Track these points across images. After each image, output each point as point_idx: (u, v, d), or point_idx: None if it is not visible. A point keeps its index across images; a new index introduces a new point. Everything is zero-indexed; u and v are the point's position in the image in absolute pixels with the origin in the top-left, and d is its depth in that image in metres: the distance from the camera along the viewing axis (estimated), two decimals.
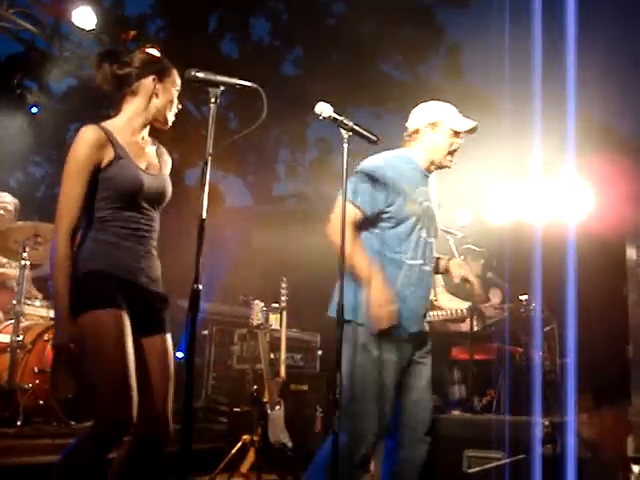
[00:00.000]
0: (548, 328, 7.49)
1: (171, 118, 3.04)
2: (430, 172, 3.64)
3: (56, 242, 2.74)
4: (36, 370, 5.36)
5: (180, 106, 3.06)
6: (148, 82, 2.95)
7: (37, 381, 5.34)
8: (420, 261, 3.45)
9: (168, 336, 2.98)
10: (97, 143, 2.79)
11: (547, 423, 4.36)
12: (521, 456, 3.14)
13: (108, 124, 2.92)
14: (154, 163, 3.02)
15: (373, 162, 3.52)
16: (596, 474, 4.48)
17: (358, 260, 3.32)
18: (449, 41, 19.80)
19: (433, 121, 3.57)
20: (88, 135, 2.80)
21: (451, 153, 3.60)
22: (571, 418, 4.00)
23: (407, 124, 3.71)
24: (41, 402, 5.33)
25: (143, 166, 2.93)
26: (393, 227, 3.42)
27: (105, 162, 2.80)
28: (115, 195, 2.82)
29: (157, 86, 2.96)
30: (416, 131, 3.61)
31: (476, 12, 19.93)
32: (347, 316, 3.26)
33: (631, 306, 7.67)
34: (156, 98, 2.96)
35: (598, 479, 4.49)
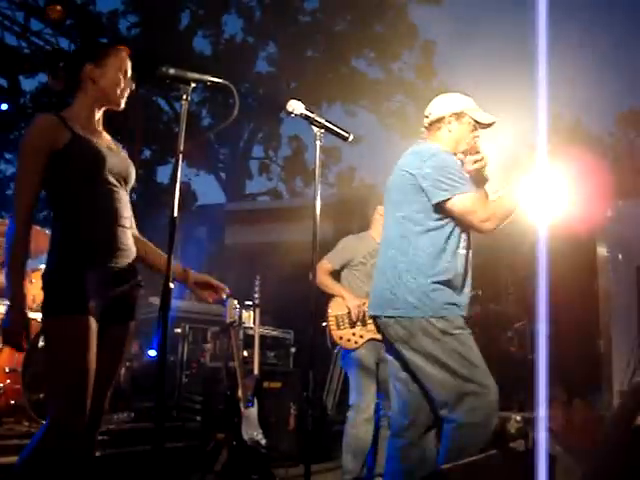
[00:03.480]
0: (520, 324, 7.56)
1: (120, 98, 3.01)
2: None
3: (14, 227, 2.74)
4: (7, 370, 5.30)
5: (133, 85, 3.05)
6: (85, 70, 2.95)
7: (8, 381, 5.29)
8: (466, 251, 3.41)
9: (132, 324, 2.99)
10: (49, 127, 2.81)
11: (519, 418, 4.39)
12: (493, 452, 3.16)
13: (63, 112, 2.94)
14: (113, 146, 3.04)
15: (441, 154, 3.38)
16: (568, 468, 4.52)
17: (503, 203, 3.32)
18: (422, 38, 19.88)
19: (458, 111, 3.48)
20: (40, 121, 2.84)
21: (469, 145, 3.51)
22: (542, 413, 4.03)
23: (428, 113, 3.57)
24: (12, 402, 5.28)
25: (104, 146, 2.95)
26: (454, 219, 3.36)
27: (61, 143, 2.79)
28: (79, 172, 2.81)
29: (93, 72, 2.95)
30: (440, 120, 3.50)
31: (448, 10, 20.07)
32: (413, 313, 3.24)
33: (601, 302, 7.77)
34: (94, 84, 2.95)
35: (570, 473, 4.53)
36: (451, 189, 3.25)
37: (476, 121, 3.49)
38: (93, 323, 2.74)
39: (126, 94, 3.02)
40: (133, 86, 3.05)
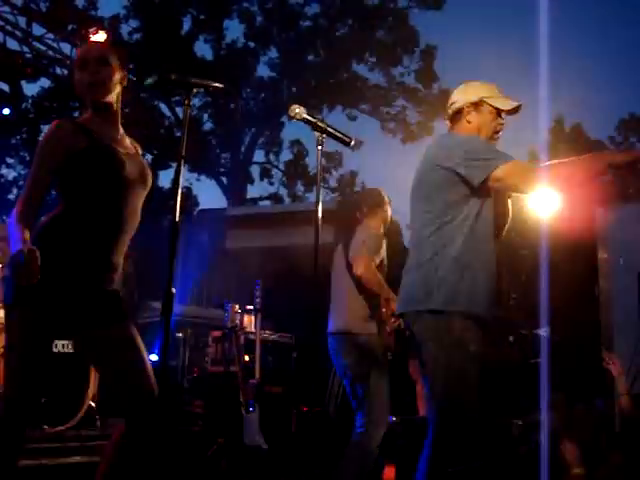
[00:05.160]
0: (521, 329, 7.55)
1: (89, 92, 2.90)
2: None
3: (12, 220, 2.71)
4: None
5: (96, 65, 2.89)
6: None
7: None
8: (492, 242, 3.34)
9: (130, 322, 2.95)
10: (67, 131, 2.81)
11: (521, 423, 4.39)
12: (496, 456, 3.16)
13: (79, 119, 2.97)
14: (131, 150, 3.03)
15: (465, 137, 3.37)
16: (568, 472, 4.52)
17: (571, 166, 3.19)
18: (423, 43, 19.93)
19: (476, 100, 3.41)
20: (58, 124, 2.83)
21: (496, 133, 3.45)
22: (544, 418, 4.04)
23: (448, 105, 3.52)
24: None
25: (124, 151, 2.94)
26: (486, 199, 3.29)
27: (79, 148, 2.79)
28: (96, 177, 2.81)
29: (75, 85, 2.94)
30: (459, 111, 3.44)
31: (449, 15, 20.14)
32: (440, 306, 3.15)
33: (602, 306, 7.77)
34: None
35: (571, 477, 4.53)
36: (489, 163, 3.18)
37: (497, 108, 3.42)
38: (51, 319, 2.74)
39: (95, 83, 2.89)
40: (95, 72, 2.90)
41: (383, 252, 4.83)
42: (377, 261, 4.70)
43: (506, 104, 3.43)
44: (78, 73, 2.91)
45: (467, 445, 3.10)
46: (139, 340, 2.94)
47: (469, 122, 3.42)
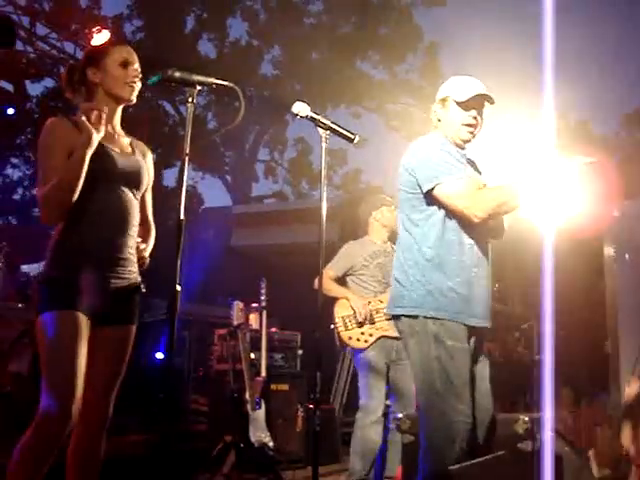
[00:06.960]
0: (526, 325, 7.54)
1: (127, 91, 2.98)
2: (463, 149, 3.43)
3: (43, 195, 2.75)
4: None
5: (137, 68, 3.01)
6: (88, 76, 2.99)
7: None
8: (474, 242, 3.28)
9: (133, 327, 2.98)
10: (63, 128, 2.84)
11: (527, 419, 4.38)
12: (501, 452, 3.16)
13: (76, 117, 2.95)
14: (127, 150, 3.04)
15: (426, 143, 3.35)
16: (575, 469, 4.51)
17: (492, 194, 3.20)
18: (427, 40, 19.88)
19: (442, 97, 3.45)
20: (53, 122, 2.86)
21: (468, 127, 3.37)
22: (549, 414, 4.03)
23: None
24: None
25: (116, 149, 2.96)
26: None
27: (74, 145, 2.80)
28: (89, 175, 2.80)
29: (96, 75, 2.97)
30: (433, 111, 3.49)
31: (453, 11, 20.10)
32: (412, 312, 3.19)
33: (608, 303, 7.75)
34: (99, 86, 2.97)
35: (577, 473, 4.53)
36: (436, 177, 3.17)
37: (455, 101, 3.37)
38: (83, 319, 2.75)
39: (135, 84, 2.99)
40: (138, 74, 3.01)
41: (351, 261, 5.18)
42: (337, 272, 5.16)
43: (462, 95, 3.36)
44: (118, 70, 2.96)
45: (456, 443, 3.08)
46: (127, 349, 2.95)
47: (439, 120, 3.44)
